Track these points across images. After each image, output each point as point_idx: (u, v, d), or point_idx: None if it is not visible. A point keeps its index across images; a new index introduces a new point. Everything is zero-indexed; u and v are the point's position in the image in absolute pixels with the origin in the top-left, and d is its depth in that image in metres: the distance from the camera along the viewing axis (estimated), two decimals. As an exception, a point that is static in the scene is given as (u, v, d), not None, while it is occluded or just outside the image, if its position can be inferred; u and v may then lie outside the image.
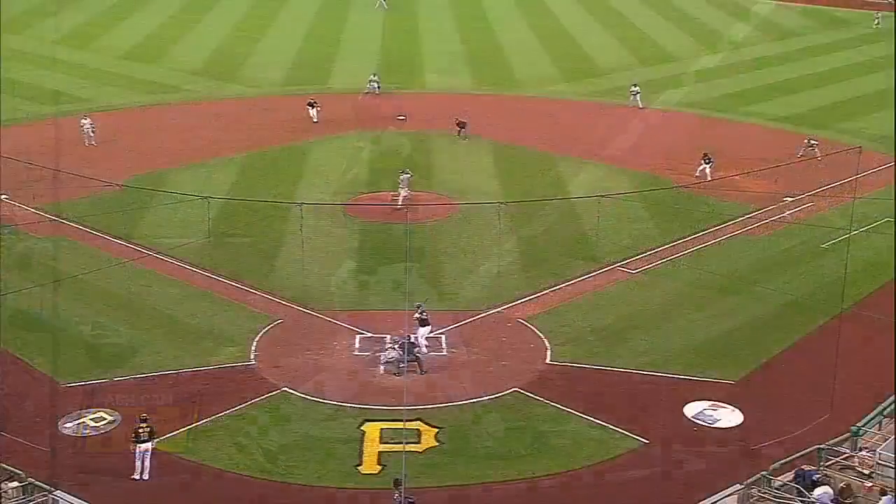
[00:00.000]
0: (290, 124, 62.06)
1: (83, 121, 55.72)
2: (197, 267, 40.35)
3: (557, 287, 39.46)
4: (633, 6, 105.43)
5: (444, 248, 43.19)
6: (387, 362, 33.06)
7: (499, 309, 37.28)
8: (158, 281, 39.31)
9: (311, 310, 36.99)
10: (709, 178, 51.31)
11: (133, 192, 45.50)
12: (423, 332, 34.05)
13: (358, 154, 56.16)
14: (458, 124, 59.49)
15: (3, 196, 47.69)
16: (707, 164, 52.17)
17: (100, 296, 37.82)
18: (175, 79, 74.45)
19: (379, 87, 69.56)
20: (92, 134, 55.66)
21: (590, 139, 59.74)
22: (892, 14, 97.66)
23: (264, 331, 35.61)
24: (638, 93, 66.74)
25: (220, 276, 39.56)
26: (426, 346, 33.78)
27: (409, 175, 47.34)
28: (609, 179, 51.80)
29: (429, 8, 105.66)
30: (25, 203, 46.76)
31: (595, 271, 40.78)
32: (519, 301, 38.17)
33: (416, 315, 34.19)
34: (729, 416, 30.77)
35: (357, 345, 34.73)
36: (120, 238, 42.84)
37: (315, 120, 60.82)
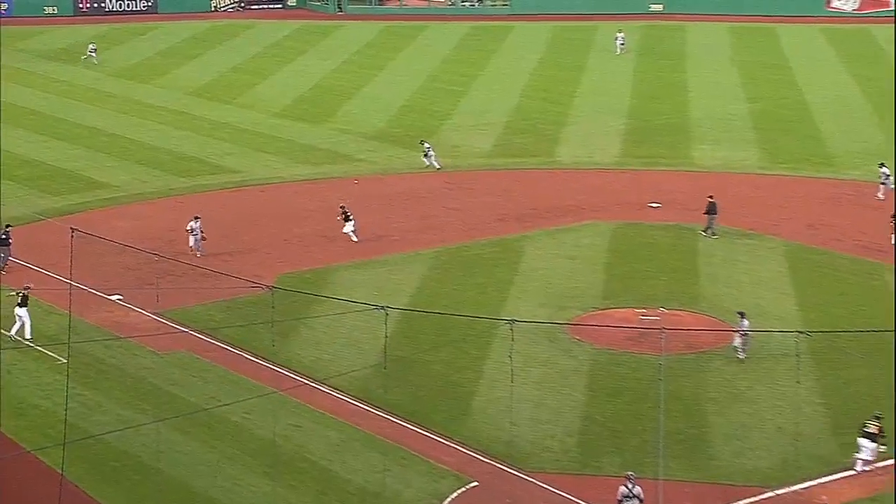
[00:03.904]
0: (500, 210, 63.22)
1: (192, 223, 55.35)
2: (365, 402, 41.11)
3: (889, 462, 37.81)
4: None
5: (714, 392, 42.45)
6: None
7: (795, 487, 36.13)
8: (312, 419, 40.21)
9: (519, 470, 36.92)
10: None
11: (284, 296, 46.95)
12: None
13: (589, 254, 56.45)
14: (707, 208, 58.54)
15: (115, 297, 50.44)
16: None
17: (234, 436, 38.97)
18: (349, 144, 77.34)
19: (436, 163, 70.26)
20: (201, 243, 55.16)
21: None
22: None
23: (452, 496, 35.73)
24: (888, 176, 64.49)
25: (395, 415, 40.11)
26: None
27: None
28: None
29: (702, 53, 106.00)
30: (144, 307, 49.22)
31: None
32: (827, 477, 36.91)
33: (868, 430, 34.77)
34: None
35: (582, 525, 34.49)
36: (265, 358, 44.14)
37: (355, 239, 57.04)
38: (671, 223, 60.70)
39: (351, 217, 57.31)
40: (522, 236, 59.02)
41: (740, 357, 44.68)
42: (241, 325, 46.33)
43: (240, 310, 48.43)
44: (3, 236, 53.53)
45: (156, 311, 48.77)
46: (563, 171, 71.84)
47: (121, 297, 50.39)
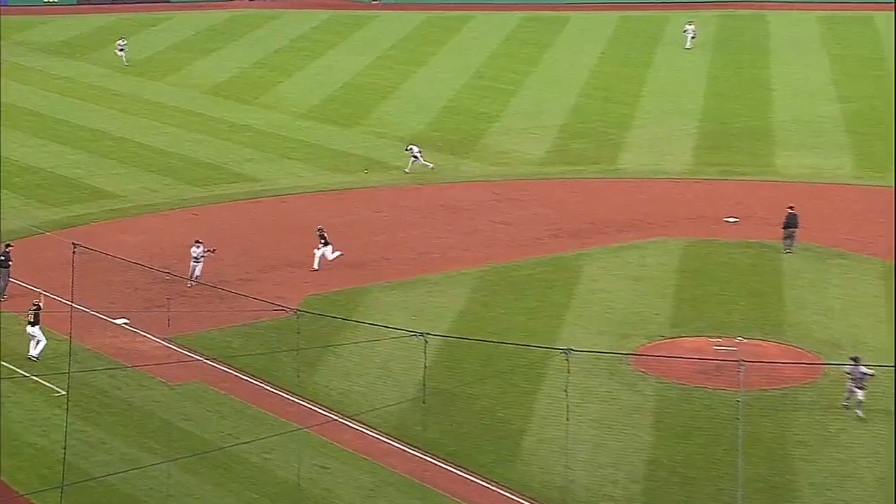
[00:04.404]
0: (554, 224, 63.34)
1: (194, 249, 54.39)
2: (401, 441, 41.09)
3: None
4: None
5: (801, 435, 42.15)
6: None
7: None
8: (341, 460, 40.18)
9: (578, 522, 36.87)
10: None
11: (311, 320, 46.97)
12: None
13: (656, 275, 56.31)
14: (785, 220, 58.19)
15: (120, 320, 50.64)
16: None
17: (253, 478, 38.95)
18: (384, 149, 77.58)
19: (420, 161, 70.83)
20: (197, 272, 54.40)
21: None
22: None
23: (501, 552, 35.84)
24: None
25: (434, 456, 40.05)
26: None
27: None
28: None
29: (787, 46, 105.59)
30: (153, 331, 49.37)
31: None
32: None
33: None
34: None
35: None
36: (289, 391, 44.26)
37: (315, 267, 56.37)
38: (751, 240, 60.58)
39: (329, 242, 56.33)
40: (580, 254, 59.00)
41: (860, 415, 42.79)
42: (261, 353, 46.61)
43: (261, 336, 48.63)
44: (2, 258, 53.23)
45: (166, 336, 48.83)
46: (627, 180, 71.90)
47: (127, 321, 50.64)
